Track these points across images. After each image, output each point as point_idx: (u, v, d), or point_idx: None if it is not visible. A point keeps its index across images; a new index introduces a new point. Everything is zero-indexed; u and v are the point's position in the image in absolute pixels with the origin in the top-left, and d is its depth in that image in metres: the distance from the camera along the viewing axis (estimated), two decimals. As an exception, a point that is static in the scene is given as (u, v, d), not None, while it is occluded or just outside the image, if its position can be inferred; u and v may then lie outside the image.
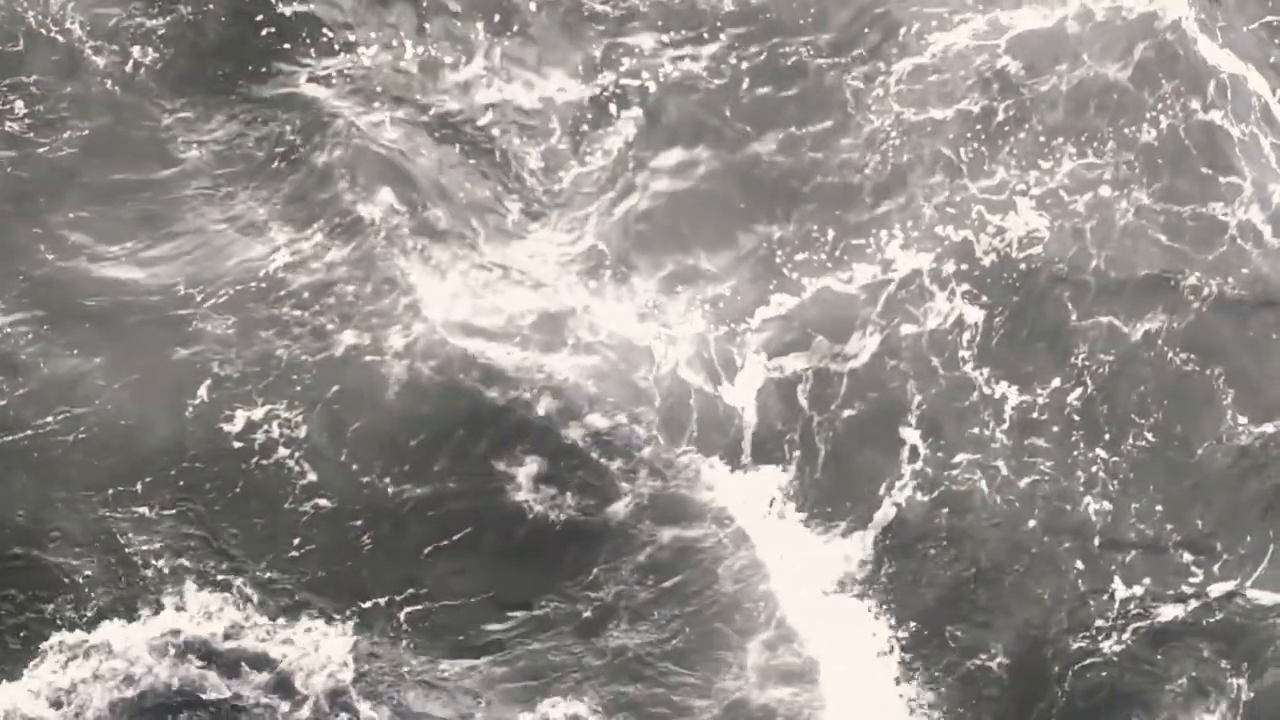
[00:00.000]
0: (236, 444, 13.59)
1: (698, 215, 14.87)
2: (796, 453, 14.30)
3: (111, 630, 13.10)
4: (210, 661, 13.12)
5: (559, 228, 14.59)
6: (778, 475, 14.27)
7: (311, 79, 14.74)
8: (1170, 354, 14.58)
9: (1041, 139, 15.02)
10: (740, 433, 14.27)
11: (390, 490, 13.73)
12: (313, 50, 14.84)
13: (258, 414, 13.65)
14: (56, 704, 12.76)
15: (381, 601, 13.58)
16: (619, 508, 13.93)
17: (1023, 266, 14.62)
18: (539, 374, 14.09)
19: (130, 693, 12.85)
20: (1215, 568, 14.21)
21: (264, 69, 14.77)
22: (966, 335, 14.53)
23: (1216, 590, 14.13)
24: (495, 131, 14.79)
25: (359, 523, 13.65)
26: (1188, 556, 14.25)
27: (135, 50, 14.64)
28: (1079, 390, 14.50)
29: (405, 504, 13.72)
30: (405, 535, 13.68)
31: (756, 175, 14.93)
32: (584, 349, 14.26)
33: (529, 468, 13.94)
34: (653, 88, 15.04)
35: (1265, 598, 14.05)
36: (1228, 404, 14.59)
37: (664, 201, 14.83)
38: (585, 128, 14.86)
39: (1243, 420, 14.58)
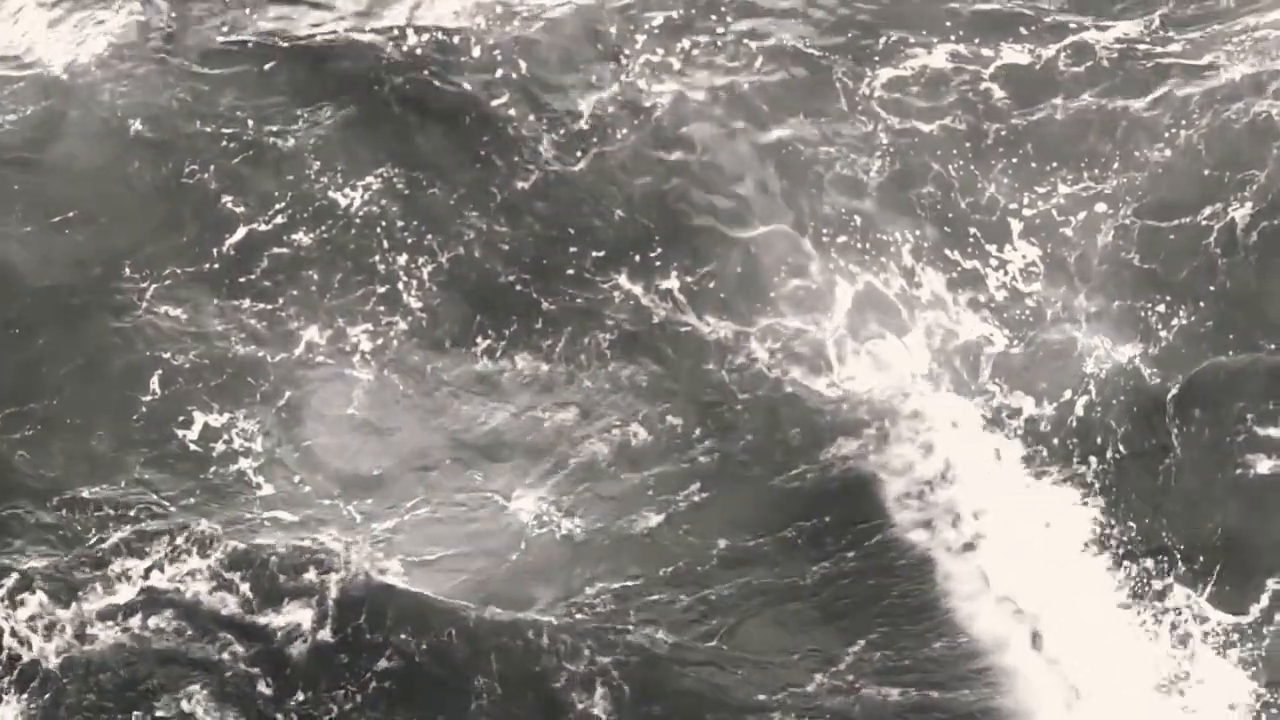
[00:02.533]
0: (193, 447, 13.00)
1: (736, 197, 14.36)
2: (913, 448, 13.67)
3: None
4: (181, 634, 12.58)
5: (576, 210, 14.07)
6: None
7: (277, 51, 14.46)
8: (1149, 377, 14.19)
9: (1033, 164, 14.70)
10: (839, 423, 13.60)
11: (356, 515, 12.99)
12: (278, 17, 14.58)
13: (214, 420, 13.03)
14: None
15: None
16: (649, 520, 13.21)
17: (1030, 302, 14.26)
18: (559, 383, 13.53)
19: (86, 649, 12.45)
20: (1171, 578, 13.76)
21: (223, 37, 14.55)
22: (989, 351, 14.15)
23: (1174, 601, 13.68)
24: (512, 112, 14.33)
25: (317, 543, 12.86)
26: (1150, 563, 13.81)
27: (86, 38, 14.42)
28: (1084, 400, 14.04)
29: (373, 530, 12.98)
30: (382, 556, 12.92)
31: (785, 156, 14.47)
32: (616, 347, 13.63)
33: (535, 492, 13.19)
34: (676, 64, 14.71)
35: (1215, 615, 13.63)
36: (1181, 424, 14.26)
37: (696, 182, 14.32)
38: (609, 109, 14.45)
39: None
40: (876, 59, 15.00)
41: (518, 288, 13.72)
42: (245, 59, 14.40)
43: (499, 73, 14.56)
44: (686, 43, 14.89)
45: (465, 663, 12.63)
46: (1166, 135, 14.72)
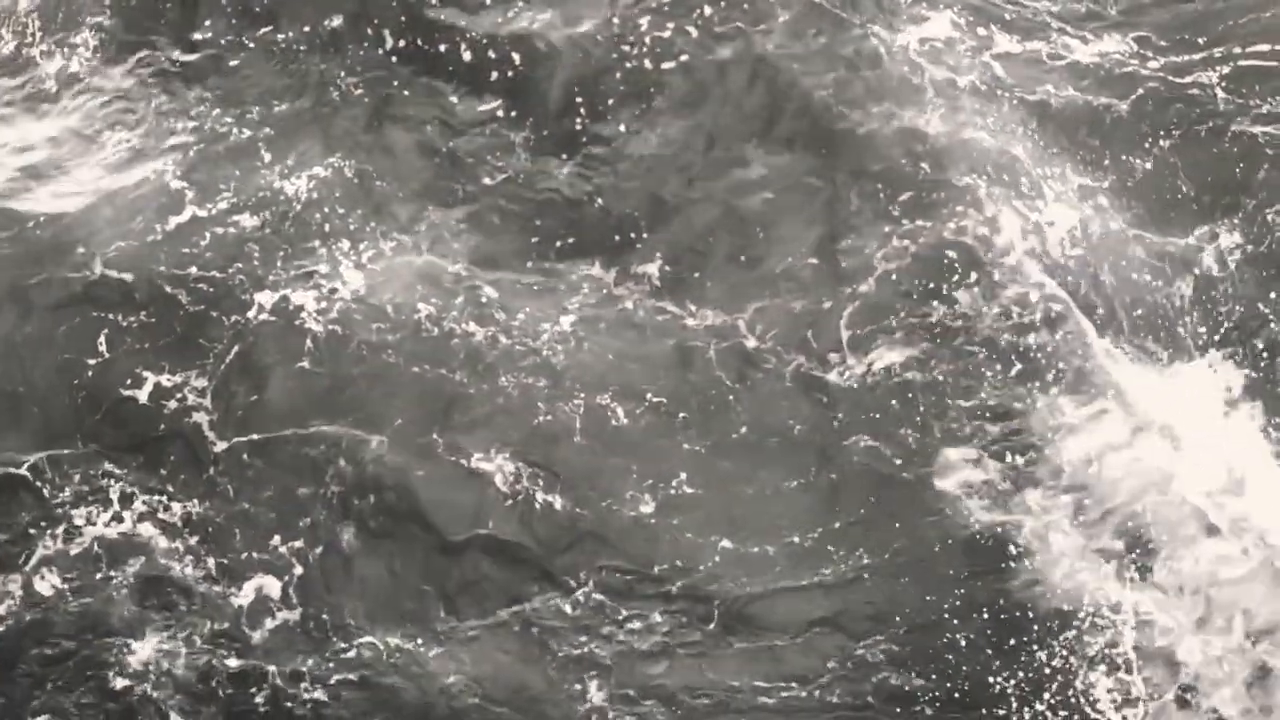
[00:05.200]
0: (145, 406, 13.12)
1: (748, 172, 14.28)
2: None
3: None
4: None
5: (547, 206, 14.05)
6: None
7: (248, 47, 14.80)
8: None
9: (1041, 144, 14.68)
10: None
11: (315, 478, 13.03)
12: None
13: (166, 380, 13.14)
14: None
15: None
16: (636, 508, 13.00)
17: (1072, 264, 14.05)
18: (518, 354, 13.34)
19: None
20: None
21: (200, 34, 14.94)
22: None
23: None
24: (496, 112, 14.42)
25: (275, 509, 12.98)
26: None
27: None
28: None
29: (334, 491, 13.02)
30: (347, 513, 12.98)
31: (814, 123, 14.40)
32: (581, 327, 13.48)
33: (503, 459, 13.05)
34: (694, 32, 14.68)
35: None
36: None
37: (702, 166, 14.27)
38: (607, 102, 14.43)
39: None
40: (905, 17, 15.02)
41: (463, 274, 13.68)
42: (218, 55, 14.68)
43: (481, 65, 14.63)
44: (703, 10, 14.83)
45: (441, 648, 12.58)
46: (1145, 146, 14.74)
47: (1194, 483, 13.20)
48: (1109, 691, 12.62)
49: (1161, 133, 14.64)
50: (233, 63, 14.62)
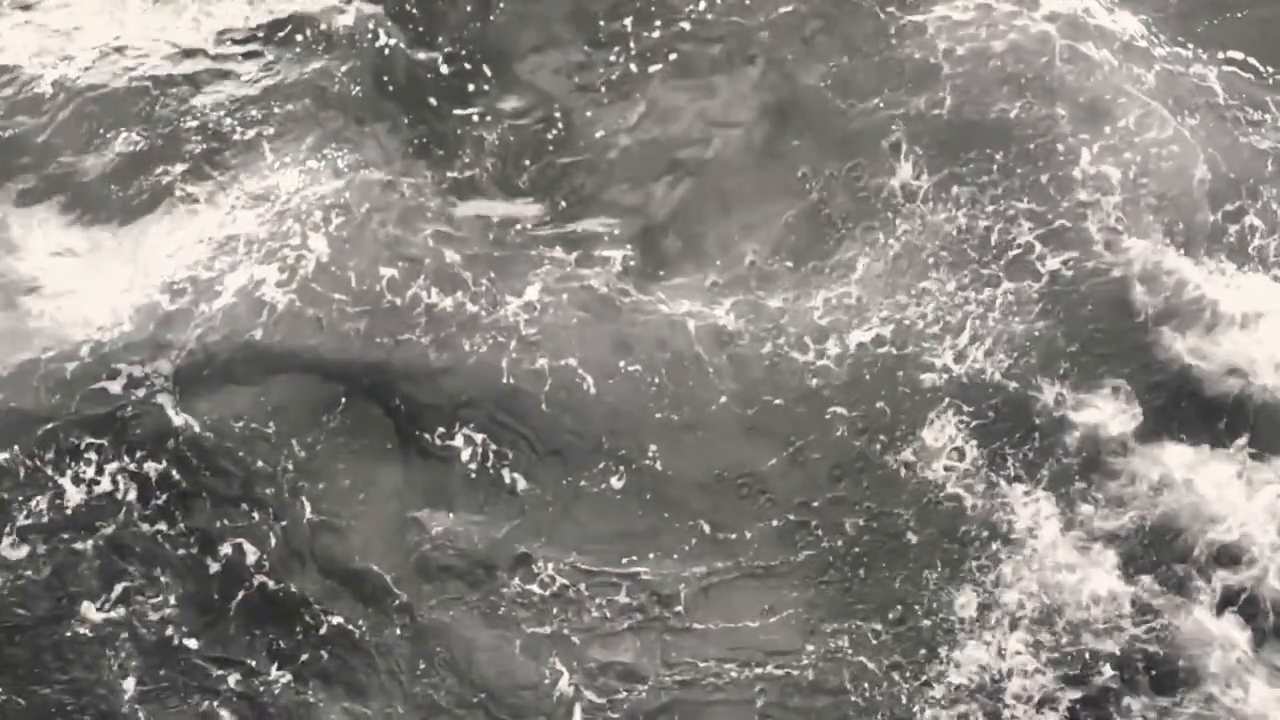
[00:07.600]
0: (117, 393, 13.26)
1: (745, 168, 14.41)
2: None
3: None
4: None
5: (520, 200, 14.18)
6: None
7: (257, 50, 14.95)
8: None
9: (1065, 120, 14.44)
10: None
11: (275, 449, 13.17)
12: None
13: (138, 371, 13.26)
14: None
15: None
16: (606, 482, 13.13)
17: (1078, 257, 13.88)
18: (482, 320, 13.42)
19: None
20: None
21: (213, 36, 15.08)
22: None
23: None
24: (474, 115, 14.52)
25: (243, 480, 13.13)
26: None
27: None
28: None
29: (294, 465, 13.18)
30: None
31: (816, 109, 14.47)
32: (548, 295, 13.56)
33: (469, 428, 13.15)
34: (687, 26, 14.76)
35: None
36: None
37: (698, 166, 14.41)
38: (586, 113, 14.54)
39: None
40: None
41: (430, 242, 13.72)
42: (224, 59, 14.88)
43: (460, 70, 14.77)
44: (697, 5, 14.87)
45: (410, 628, 12.66)
46: (1178, 121, 14.54)
47: (1207, 474, 13.10)
48: (1107, 690, 12.54)
49: (1186, 113, 14.51)
50: (235, 66, 14.84)
